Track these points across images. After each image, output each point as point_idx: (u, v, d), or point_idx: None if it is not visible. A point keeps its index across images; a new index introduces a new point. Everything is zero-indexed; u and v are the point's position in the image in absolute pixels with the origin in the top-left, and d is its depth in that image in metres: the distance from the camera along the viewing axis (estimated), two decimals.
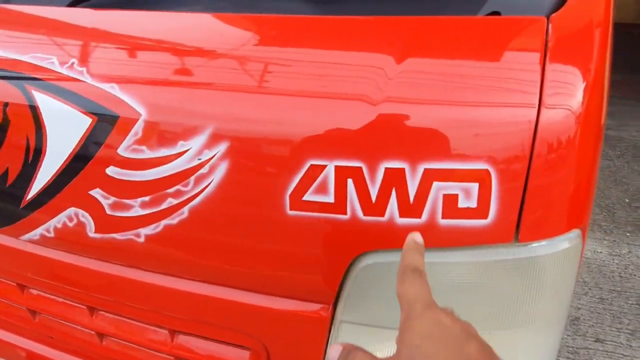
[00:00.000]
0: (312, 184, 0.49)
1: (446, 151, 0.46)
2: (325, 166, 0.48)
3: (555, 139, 0.46)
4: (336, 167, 0.48)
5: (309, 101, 0.49)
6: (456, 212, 0.47)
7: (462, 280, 0.51)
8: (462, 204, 0.47)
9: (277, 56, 0.53)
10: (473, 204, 0.47)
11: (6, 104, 0.60)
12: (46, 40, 0.62)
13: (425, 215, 0.48)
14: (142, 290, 0.62)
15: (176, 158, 0.53)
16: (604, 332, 1.59)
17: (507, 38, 0.50)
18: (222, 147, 0.51)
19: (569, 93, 0.47)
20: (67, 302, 0.73)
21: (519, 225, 0.48)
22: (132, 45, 0.58)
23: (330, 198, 0.49)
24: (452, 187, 0.47)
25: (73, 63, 0.58)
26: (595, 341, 1.56)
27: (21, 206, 0.63)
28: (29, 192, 0.62)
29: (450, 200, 0.47)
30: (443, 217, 0.48)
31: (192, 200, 0.54)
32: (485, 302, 0.52)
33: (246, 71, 0.51)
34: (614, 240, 1.98)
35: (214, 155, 0.52)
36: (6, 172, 0.63)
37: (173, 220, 0.56)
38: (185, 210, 0.54)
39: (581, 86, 0.48)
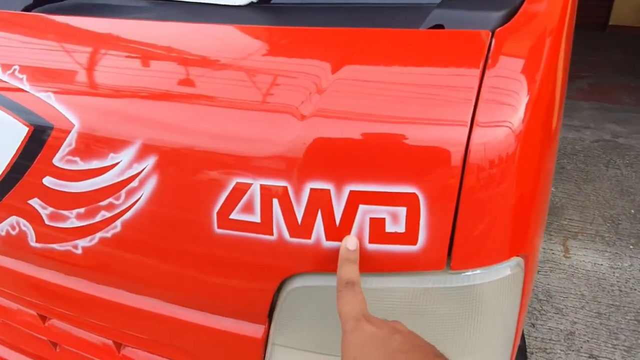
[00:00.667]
0: (238, 203, 0.48)
1: (372, 172, 0.44)
2: (251, 185, 0.47)
3: (490, 160, 0.44)
4: (261, 186, 0.47)
5: (237, 113, 0.48)
6: (384, 237, 0.45)
7: (395, 307, 0.49)
8: (389, 228, 0.45)
9: (207, 64, 0.51)
10: (401, 228, 0.45)
11: None
12: None
13: None
14: (81, 300, 0.62)
15: (107, 170, 0.52)
16: (599, 348, 1.54)
17: (447, 52, 0.47)
18: (150, 161, 0.50)
19: (508, 110, 0.44)
20: (21, 308, 0.73)
21: (450, 252, 0.46)
22: (71, 53, 0.57)
23: (256, 218, 0.47)
24: (378, 211, 0.45)
25: (15, 70, 0.57)
26: (589, 357, 1.51)
27: None
28: None
29: (377, 224, 0.45)
30: (370, 242, 0.46)
31: (124, 214, 0.53)
32: (423, 331, 0.50)
33: (175, 80, 0.50)
34: (616, 253, 1.92)
35: (143, 169, 0.50)
36: None
37: (107, 233, 0.55)
38: (118, 224, 0.53)
39: (523, 102, 0.45)
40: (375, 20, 0.53)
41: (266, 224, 0.47)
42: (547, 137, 0.50)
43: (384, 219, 0.45)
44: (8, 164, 0.57)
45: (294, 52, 0.50)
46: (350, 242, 0.45)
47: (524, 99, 0.45)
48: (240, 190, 0.47)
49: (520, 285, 0.49)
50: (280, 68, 0.48)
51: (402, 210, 0.44)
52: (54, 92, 0.54)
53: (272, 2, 0.60)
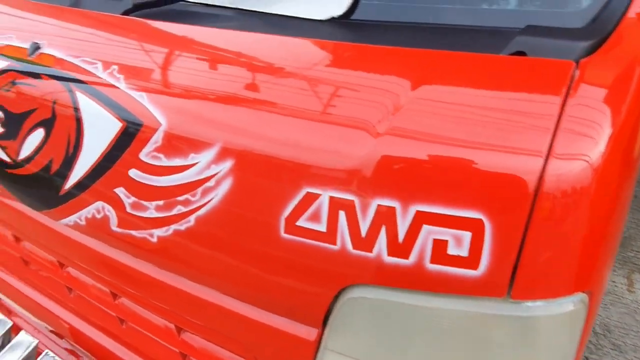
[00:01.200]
0: (306, 211, 0.50)
1: (440, 194, 0.45)
2: (320, 195, 0.49)
3: (563, 193, 0.43)
4: (330, 197, 0.49)
5: (313, 125, 0.50)
6: (445, 259, 0.46)
7: (448, 328, 0.49)
8: (452, 251, 0.46)
9: (288, 76, 0.54)
10: (463, 252, 0.45)
11: (55, 101, 0.66)
12: (96, 46, 0.67)
13: (413, 257, 0.47)
14: (151, 284, 0.66)
15: (187, 169, 0.56)
16: None
17: (527, 80, 0.47)
18: (227, 164, 0.53)
19: (587, 142, 0.44)
20: (95, 284, 0.79)
21: (512, 280, 0.45)
22: (164, 56, 0.62)
23: (322, 227, 0.50)
24: (442, 233, 0.45)
25: (113, 70, 0.63)
26: None
27: (60, 194, 0.70)
28: (66, 182, 0.68)
29: (439, 246, 0.46)
30: (431, 262, 0.46)
31: (198, 210, 0.56)
32: (474, 356, 0.50)
33: (256, 89, 0.53)
34: None
35: (220, 171, 0.54)
36: (51, 162, 0.69)
37: (181, 226, 0.59)
38: (192, 219, 0.57)
39: (604, 135, 0.44)
40: (455, 43, 0.53)
41: (331, 234, 0.49)
42: (625, 172, 0.48)
43: (447, 241, 0.45)
44: (101, 154, 0.63)
45: (372, 69, 0.51)
46: None
47: (605, 132, 0.44)
48: (309, 199, 0.49)
49: (582, 322, 0.48)
50: (358, 84, 0.50)
51: (466, 235, 0.45)
52: (147, 92, 0.59)
53: (353, 18, 0.62)
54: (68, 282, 0.83)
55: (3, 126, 0.74)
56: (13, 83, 0.71)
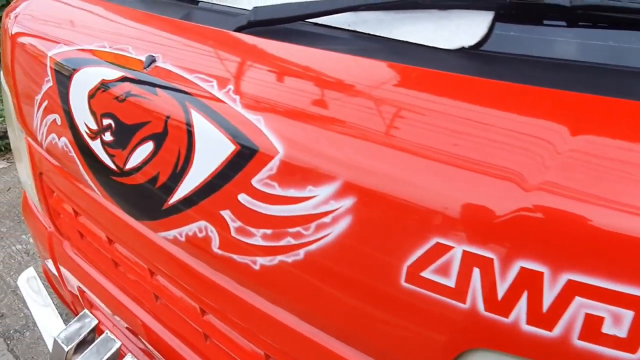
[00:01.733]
0: (434, 262, 0.46)
1: (599, 265, 0.40)
2: (453, 248, 0.45)
3: None
4: (464, 251, 0.44)
5: (452, 170, 0.46)
6: (597, 337, 0.40)
7: None
8: (607, 329, 0.40)
9: (416, 111, 0.50)
10: (622, 333, 0.40)
11: (168, 117, 0.66)
12: (211, 62, 0.67)
13: (557, 330, 0.42)
14: (244, 308, 0.65)
15: (303, 201, 0.54)
16: None
17: None
18: (349, 201, 0.50)
19: None
20: (184, 297, 0.79)
21: None
22: (286, 79, 0.60)
23: (450, 282, 0.45)
24: (598, 308, 0.40)
25: (229, 89, 0.62)
26: None
27: (163, 207, 0.70)
28: (171, 197, 0.68)
29: (592, 322, 0.40)
30: (580, 338, 0.41)
31: (309, 245, 0.54)
32: None
33: (384, 124, 0.50)
34: None
35: (339, 207, 0.51)
36: (157, 175, 0.69)
37: (288, 258, 0.56)
38: (301, 252, 0.55)
39: None
40: (609, 87, 0.47)
41: (460, 291, 0.45)
42: None
43: (602, 317, 0.40)
44: (210, 174, 0.62)
45: (518, 111, 0.47)
46: None
47: None
48: (439, 250, 0.46)
49: None
50: (507, 128, 0.45)
51: (628, 314, 0.39)
52: (264, 116, 0.57)
53: (486, 49, 0.57)
54: (156, 290, 0.84)
55: (113, 135, 0.75)
56: (127, 94, 0.72)
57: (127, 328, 0.99)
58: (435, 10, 0.59)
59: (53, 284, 1.45)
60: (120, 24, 0.83)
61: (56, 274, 1.27)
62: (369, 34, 0.65)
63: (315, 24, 0.69)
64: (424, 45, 0.60)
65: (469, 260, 0.44)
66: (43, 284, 1.35)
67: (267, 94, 0.59)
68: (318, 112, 0.55)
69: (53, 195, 1.10)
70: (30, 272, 1.37)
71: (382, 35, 0.63)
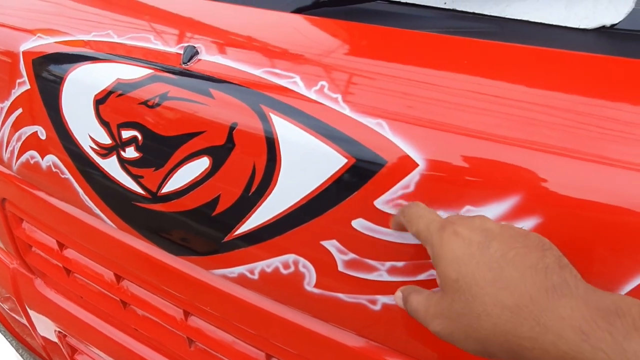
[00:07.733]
0: None
1: None
2: None
3: None
4: None
5: None
6: None
7: None
8: None
9: (595, 114, 0.41)
10: None
11: (234, 124, 0.51)
12: (280, 54, 0.53)
13: None
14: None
15: None
16: None
17: None
18: (525, 224, 0.40)
19: None
20: (237, 342, 0.65)
21: None
22: (401, 69, 0.47)
23: None
24: None
25: (323, 86, 0.48)
26: None
27: (225, 239, 0.55)
28: (241, 225, 0.53)
29: None
30: None
31: None
32: None
33: (585, 129, 0.40)
34: None
35: None
36: (216, 199, 0.54)
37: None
38: None
39: None
40: None
41: None
42: None
43: None
44: (306, 196, 0.48)
45: None
46: None
47: None
48: None
49: None
50: None
51: None
52: (388, 120, 0.45)
53: (627, 28, 0.49)
54: (193, 334, 0.69)
55: (140, 150, 0.59)
56: (162, 97, 0.55)
57: None
58: None
59: (11, 328, 1.20)
60: (127, 7, 0.65)
61: (22, 317, 1.04)
62: (472, 13, 0.54)
63: (399, 2, 0.57)
64: (551, 25, 0.51)
65: None
66: None
67: (386, 91, 0.46)
68: (475, 113, 0.43)
69: (21, 225, 0.88)
70: None
71: (492, 14, 0.53)
